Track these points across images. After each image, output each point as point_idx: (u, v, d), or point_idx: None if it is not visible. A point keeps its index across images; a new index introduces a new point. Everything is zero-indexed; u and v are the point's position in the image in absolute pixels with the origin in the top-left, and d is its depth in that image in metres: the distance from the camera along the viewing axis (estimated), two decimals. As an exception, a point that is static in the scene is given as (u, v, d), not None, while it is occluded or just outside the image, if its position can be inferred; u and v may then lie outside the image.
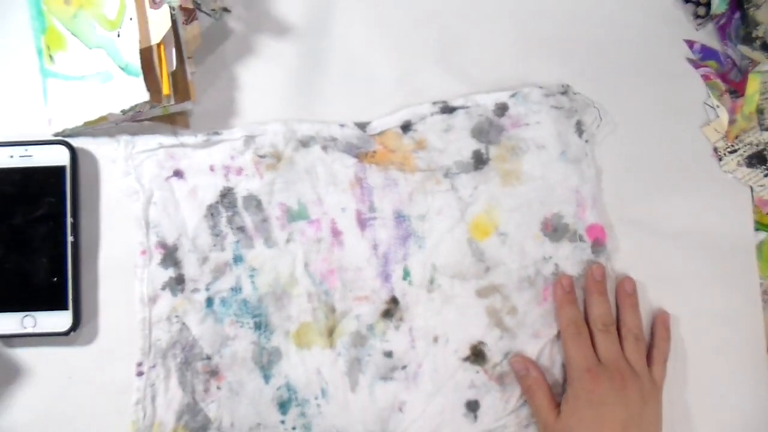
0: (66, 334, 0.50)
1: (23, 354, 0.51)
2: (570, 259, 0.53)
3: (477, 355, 0.52)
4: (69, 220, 0.50)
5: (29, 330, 0.50)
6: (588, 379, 0.49)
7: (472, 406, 0.52)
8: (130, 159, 0.52)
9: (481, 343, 0.52)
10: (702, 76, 0.56)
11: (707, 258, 0.55)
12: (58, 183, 0.51)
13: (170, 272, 0.51)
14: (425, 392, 0.52)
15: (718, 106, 0.55)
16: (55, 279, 0.50)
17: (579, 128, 0.54)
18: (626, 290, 0.52)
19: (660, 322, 0.53)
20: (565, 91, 0.54)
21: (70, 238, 0.50)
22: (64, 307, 0.50)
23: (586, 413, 0.48)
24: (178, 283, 0.51)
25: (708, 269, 0.54)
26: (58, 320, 0.50)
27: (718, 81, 0.56)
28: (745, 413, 0.54)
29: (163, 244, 0.51)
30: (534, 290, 0.53)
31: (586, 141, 0.54)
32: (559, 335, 0.52)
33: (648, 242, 0.54)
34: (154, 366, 0.51)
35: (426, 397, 0.52)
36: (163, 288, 0.51)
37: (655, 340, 0.52)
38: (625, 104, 0.55)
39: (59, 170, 0.51)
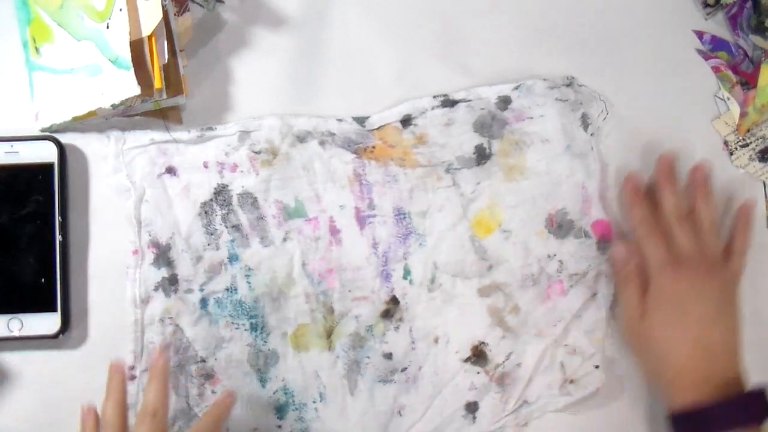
0: (54, 337, 0.49)
1: (10, 358, 0.50)
2: (575, 256, 0.52)
3: (478, 355, 0.52)
4: (57, 218, 0.50)
5: (16, 333, 0.49)
6: (669, 275, 0.48)
7: (471, 408, 0.51)
8: (120, 155, 0.51)
9: (482, 343, 0.52)
10: (712, 67, 0.55)
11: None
12: (45, 180, 0.50)
13: (163, 272, 0.51)
14: (425, 395, 0.51)
15: (729, 99, 0.54)
16: (43, 280, 0.49)
17: (584, 121, 0.53)
18: (698, 180, 0.51)
19: (742, 212, 0.52)
20: (569, 83, 0.54)
21: (58, 238, 0.49)
22: (53, 309, 0.49)
23: (669, 312, 0.47)
24: (171, 284, 0.50)
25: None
26: (46, 323, 0.49)
27: (729, 72, 0.55)
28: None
29: (155, 244, 0.51)
30: (537, 288, 0.52)
31: (592, 134, 0.53)
32: (563, 332, 0.52)
33: (656, 239, 0.53)
34: (146, 370, 0.50)
35: (426, 399, 0.51)
36: (156, 289, 0.50)
37: (735, 230, 0.51)
38: (632, 97, 0.55)
39: (47, 167, 0.50)
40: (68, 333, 0.50)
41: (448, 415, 0.51)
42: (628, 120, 0.54)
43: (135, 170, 0.51)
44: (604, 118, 0.54)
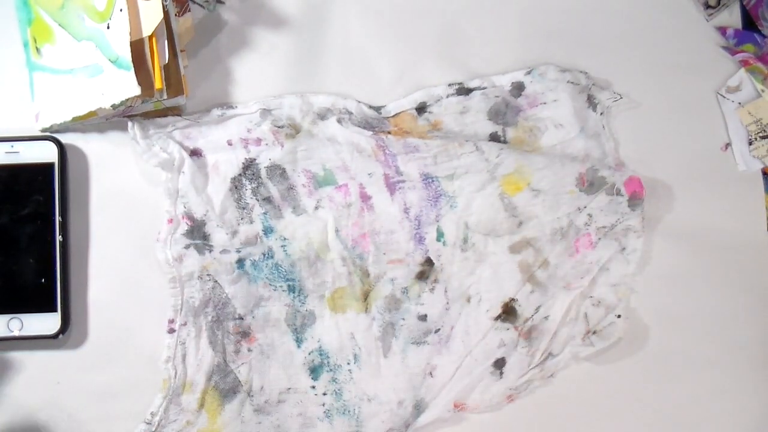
0: (54, 337, 0.49)
1: (9, 358, 0.50)
2: (604, 210, 0.52)
3: (508, 312, 0.52)
4: (57, 219, 0.49)
5: (16, 333, 0.49)
6: None
7: (499, 364, 0.52)
8: (146, 138, 0.50)
9: (513, 300, 0.52)
10: (740, 61, 0.54)
11: (718, 256, 0.54)
12: (46, 180, 0.50)
13: (196, 242, 0.50)
14: (456, 355, 0.52)
15: (763, 90, 0.54)
16: (43, 280, 0.49)
17: (591, 101, 0.53)
18: None
19: None
20: (585, 73, 0.54)
21: (58, 238, 0.49)
22: (53, 309, 0.49)
23: None
24: (205, 245, 0.50)
25: (719, 268, 0.54)
26: (46, 323, 0.49)
27: (760, 65, 0.54)
28: (757, 416, 0.53)
29: (190, 217, 0.50)
30: (566, 242, 0.52)
31: (602, 114, 0.54)
32: (590, 285, 0.52)
33: (656, 239, 0.54)
34: (184, 324, 0.50)
35: (457, 359, 0.52)
36: (187, 247, 0.50)
37: None
38: (632, 99, 0.55)
39: (47, 167, 0.50)
40: (68, 333, 0.50)
41: (477, 374, 0.51)
42: (627, 121, 0.54)
43: (168, 146, 0.51)
44: (615, 101, 0.54)
